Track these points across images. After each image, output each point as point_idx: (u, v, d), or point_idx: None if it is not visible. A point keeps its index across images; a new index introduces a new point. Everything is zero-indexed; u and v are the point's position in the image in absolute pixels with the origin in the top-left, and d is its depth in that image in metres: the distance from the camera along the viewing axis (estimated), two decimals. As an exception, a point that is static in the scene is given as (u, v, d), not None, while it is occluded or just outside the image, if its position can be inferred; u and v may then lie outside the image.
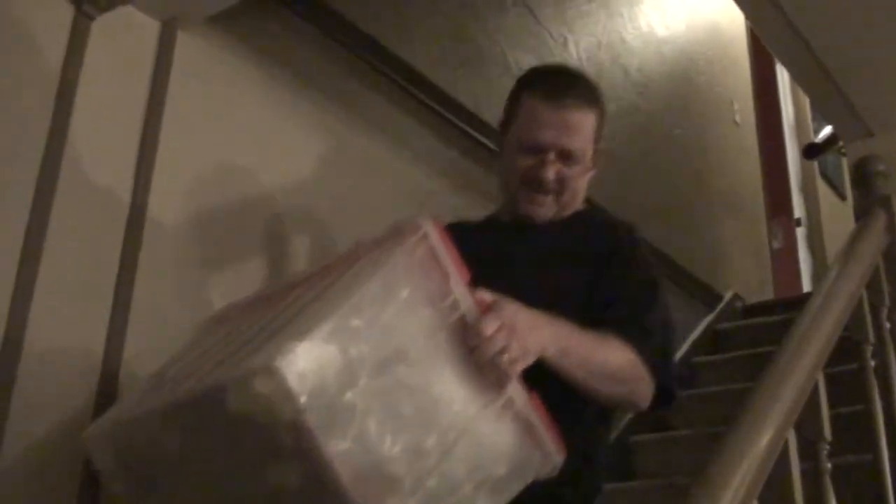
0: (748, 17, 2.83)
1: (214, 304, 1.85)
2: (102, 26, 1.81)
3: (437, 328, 1.16)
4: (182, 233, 1.91)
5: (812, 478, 1.63)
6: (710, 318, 4.05)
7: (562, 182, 1.63)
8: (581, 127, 1.63)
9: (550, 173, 1.62)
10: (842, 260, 2.09)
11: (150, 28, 1.93)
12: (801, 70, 2.62)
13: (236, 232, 2.05)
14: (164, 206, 1.87)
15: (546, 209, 1.65)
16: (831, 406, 1.71)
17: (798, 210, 5.87)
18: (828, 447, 1.67)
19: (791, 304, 3.77)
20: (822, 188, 6.15)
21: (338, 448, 1.02)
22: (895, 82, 2.55)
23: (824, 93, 2.60)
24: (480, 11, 3.01)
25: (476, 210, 2.02)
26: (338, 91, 2.37)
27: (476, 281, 1.22)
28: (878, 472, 1.92)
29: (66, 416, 1.63)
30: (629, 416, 3.19)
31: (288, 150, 2.21)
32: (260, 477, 1.08)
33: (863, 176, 2.49)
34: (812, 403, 1.63)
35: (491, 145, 2.56)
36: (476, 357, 1.17)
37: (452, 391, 1.16)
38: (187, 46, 1.97)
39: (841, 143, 3.14)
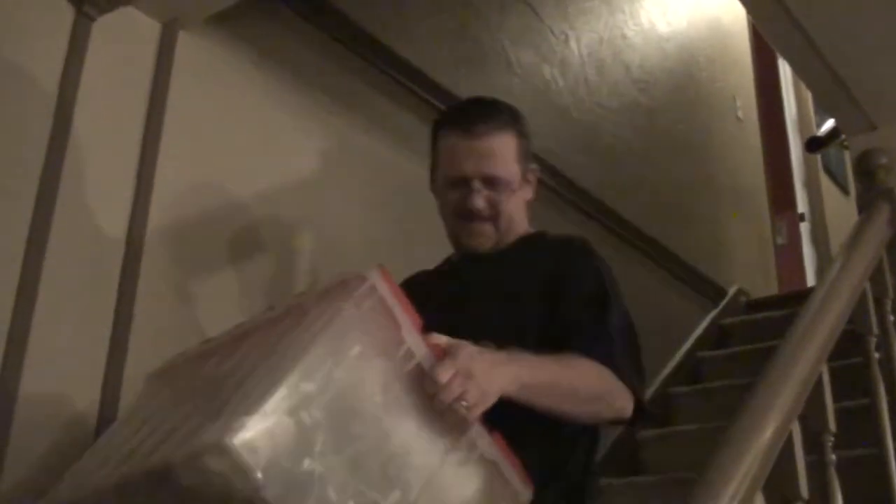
0: (749, 11, 2.82)
1: (218, 308, 1.85)
2: (103, 27, 1.82)
3: (393, 380, 1.14)
4: (185, 234, 1.92)
5: (818, 470, 1.63)
6: (714, 313, 4.05)
7: (494, 207, 1.62)
8: (499, 151, 1.62)
9: (479, 201, 1.61)
10: (845, 253, 2.09)
11: (150, 28, 1.93)
12: (803, 64, 2.61)
13: (239, 233, 2.06)
14: (167, 207, 1.87)
15: (486, 238, 1.64)
16: (838, 399, 1.71)
17: (802, 205, 5.85)
18: (832, 439, 1.67)
19: (795, 299, 3.76)
20: (826, 183, 6.14)
21: None
22: (897, 75, 2.54)
23: (826, 87, 2.60)
24: (482, 9, 3.01)
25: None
26: (339, 90, 2.37)
27: (432, 325, 1.20)
28: (884, 465, 1.92)
29: (67, 435, 1.63)
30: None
31: (290, 150, 2.22)
32: None
33: (865, 169, 2.49)
34: (816, 396, 1.63)
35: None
36: (435, 405, 1.15)
37: (414, 442, 1.14)
38: (188, 46, 1.98)
39: (843, 137, 3.13)
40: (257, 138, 2.12)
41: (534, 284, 1.57)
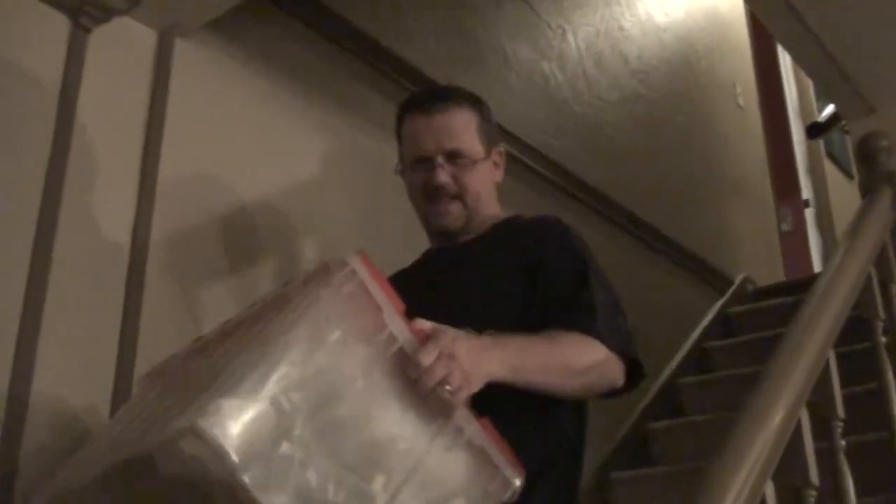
0: (747, 0, 2.83)
1: (221, 308, 1.86)
2: (100, 38, 1.82)
3: (375, 364, 1.13)
4: (188, 240, 1.92)
5: (827, 456, 1.63)
6: (721, 302, 4.04)
7: (459, 183, 1.62)
8: (458, 125, 1.63)
9: (443, 176, 1.60)
10: (848, 238, 2.09)
11: (147, 37, 1.94)
12: (801, 49, 2.61)
13: (242, 238, 2.06)
14: (170, 214, 1.88)
15: (454, 217, 1.63)
16: (847, 385, 1.71)
17: (806, 191, 5.85)
18: (841, 425, 1.67)
19: (802, 286, 3.74)
20: (830, 168, 6.13)
21: (277, 503, 0.99)
22: (895, 58, 2.54)
23: (824, 72, 2.60)
24: (478, 6, 3.01)
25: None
26: (337, 90, 2.37)
27: (414, 313, 1.19)
28: (894, 449, 1.91)
29: (79, 434, 1.63)
30: (643, 403, 3.20)
31: (290, 152, 2.22)
32: None
33: (867, 153, 2.49)
34: (824, 382, 1.63)
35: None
36: (418, 389, 1.14)
37: (398, 427, 1.13)
38: (186, 53, 1.98)
39: (843, 122, 3.13)
40: (257, 142, 2.12)
41: (513, 269, 1.56)
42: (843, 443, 1.67)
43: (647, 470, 2.91)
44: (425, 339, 1.17)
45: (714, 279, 4.08)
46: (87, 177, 1.76)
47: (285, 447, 1.01)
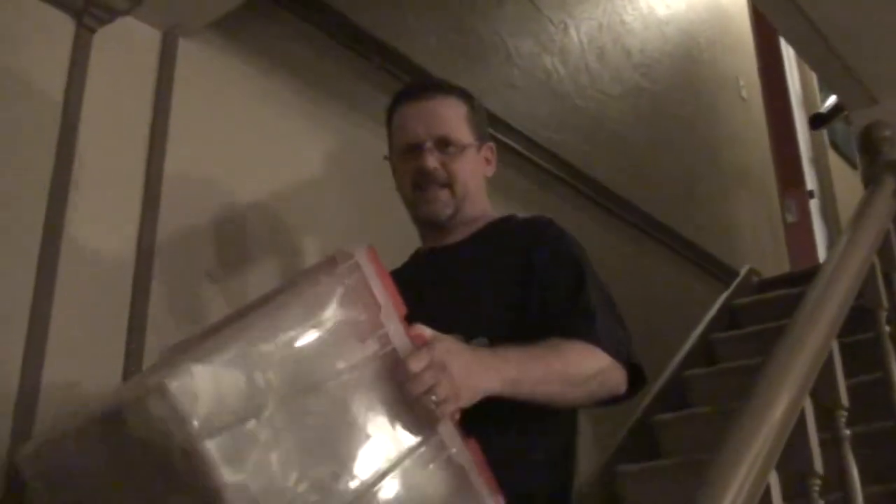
0: (747, -8, 2.83)
1: (227, 305, 1.87)
2: (104, 38, 1.83)
3: (364, 362, 1.11)
4: (192, 237, 1.93)
5: (832, 446, 1.63)
6: (726, 294, 4.04)
7: (449, 170, 1.60)
8: (446, 113, 1.63)
9: (431, 161, 1.58)
10: (852, 228, 2.10)
11: (151, 37, 1.95)
12: (803, 40, 2.61)
13: (248, 236, 2.07)
14: (175, 212, 1.89)
15: (443, 204, 1.61)
16: (852, 375, 1.71)
17: (810, 182, 5.84)
18: (846, 415, 1.67)
19: (807, 277, 3.74)
20: (834, 159, 6.12)
21: (231, 479, 0.96)
22: (896, 48, 2.54)
23: (826, 62, 2.60)
24: (479, 2, 3.01)
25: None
26: (341, 89, 2.38)
27: (407, 315, 1.18)
28: (899, 437, 1.92)
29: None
30: (650, 396, 3.20)
31: (295, 151, 2.23)
32: None
33: (869, 143, 2.49)
34: (827, 371, 1.63)
35: (495, 134, 2.56)
36: (404, 395, 1.12)
37: (376, 430, 1.10)
38: (190, 53, 1.99)
39: (846, 112, 3.13)
40: (262, 141, 2.13)
41: (507, 271, 1.54)
42: (847, 432, 1.67)
43: (653, 462, 2.92)
44: (422, 345, 1.16)
45: (719, 271, 4.08)
46: (93, 175, 1.76)
47: (252, 424, 0.99)
